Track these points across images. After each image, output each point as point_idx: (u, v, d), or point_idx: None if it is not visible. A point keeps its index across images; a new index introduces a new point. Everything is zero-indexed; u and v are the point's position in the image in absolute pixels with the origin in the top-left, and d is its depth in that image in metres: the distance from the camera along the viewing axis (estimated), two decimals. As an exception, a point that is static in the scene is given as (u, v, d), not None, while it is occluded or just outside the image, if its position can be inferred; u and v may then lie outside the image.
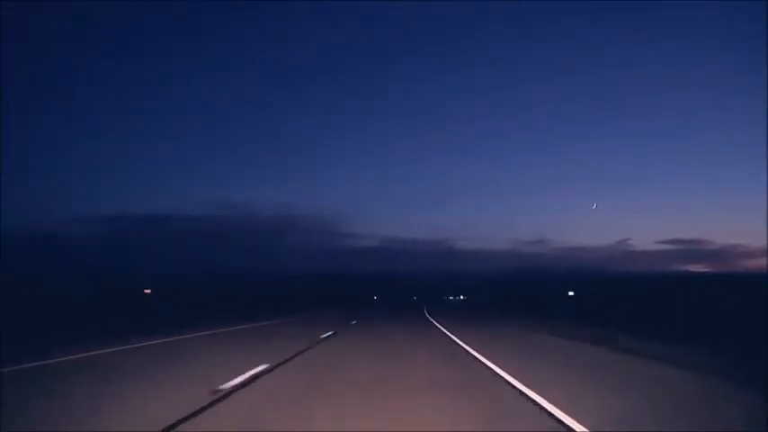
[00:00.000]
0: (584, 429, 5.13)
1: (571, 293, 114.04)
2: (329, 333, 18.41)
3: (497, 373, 8.95)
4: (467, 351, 12.86)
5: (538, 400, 6.56)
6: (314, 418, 5.67)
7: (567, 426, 5.32)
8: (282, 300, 78.54)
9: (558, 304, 60.94)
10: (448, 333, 19.13)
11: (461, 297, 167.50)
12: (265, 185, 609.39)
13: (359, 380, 8.33)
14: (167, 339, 15.34)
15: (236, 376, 8.22)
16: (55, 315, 27.69)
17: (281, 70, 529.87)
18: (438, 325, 24.82)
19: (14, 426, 5.25)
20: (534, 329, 21.09)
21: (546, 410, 6.03)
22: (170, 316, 30.60)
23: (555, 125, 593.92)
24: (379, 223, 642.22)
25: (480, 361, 10.81)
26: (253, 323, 24.41)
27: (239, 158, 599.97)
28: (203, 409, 6.01)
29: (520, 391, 7.31)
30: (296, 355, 11.66)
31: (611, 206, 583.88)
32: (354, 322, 27.30)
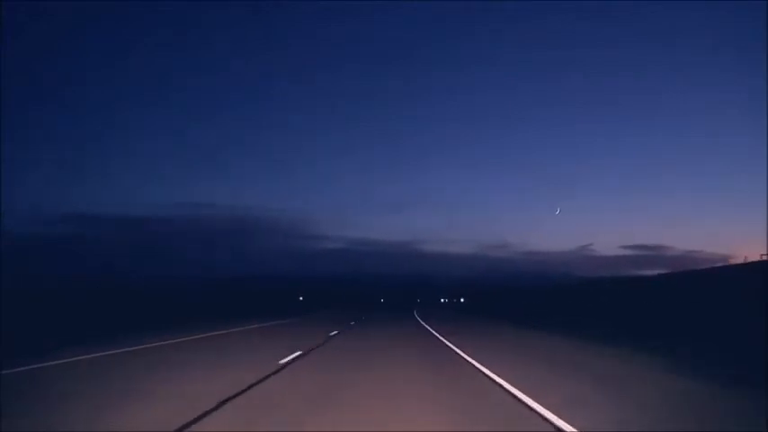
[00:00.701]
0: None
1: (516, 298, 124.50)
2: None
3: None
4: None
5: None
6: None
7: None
8: (243, 304, 76.59)
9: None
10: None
11: (455, 300, 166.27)
12: (231, 187, 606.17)
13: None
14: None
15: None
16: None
17: (246, 74, 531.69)
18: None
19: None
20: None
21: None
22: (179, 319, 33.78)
23: (519, 131, 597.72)
24: (345, 225, 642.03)
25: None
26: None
27: (205, 160, 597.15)
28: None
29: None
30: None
31: (574, 212, 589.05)
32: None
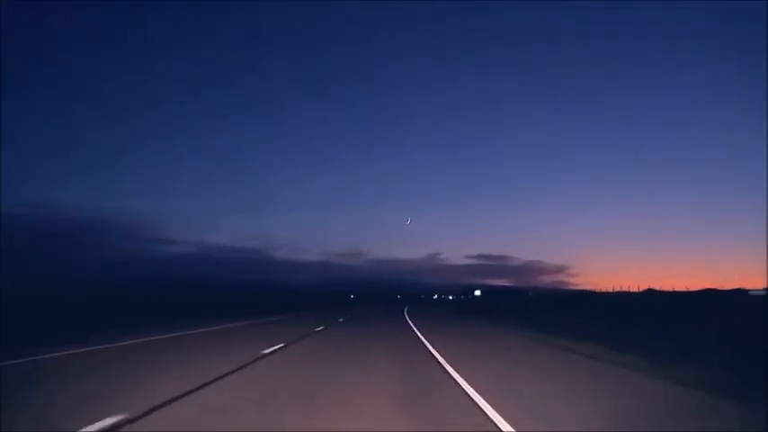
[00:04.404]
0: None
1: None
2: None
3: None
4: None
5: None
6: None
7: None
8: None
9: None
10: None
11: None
12: (68, 185, 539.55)
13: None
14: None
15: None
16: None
17: (92, 72, 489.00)
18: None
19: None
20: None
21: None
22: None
23: (371, 140, 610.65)
24: (196, 229, 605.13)
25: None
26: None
27: (44, 157, 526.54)
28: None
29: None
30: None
31: (424, 221, 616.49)
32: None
